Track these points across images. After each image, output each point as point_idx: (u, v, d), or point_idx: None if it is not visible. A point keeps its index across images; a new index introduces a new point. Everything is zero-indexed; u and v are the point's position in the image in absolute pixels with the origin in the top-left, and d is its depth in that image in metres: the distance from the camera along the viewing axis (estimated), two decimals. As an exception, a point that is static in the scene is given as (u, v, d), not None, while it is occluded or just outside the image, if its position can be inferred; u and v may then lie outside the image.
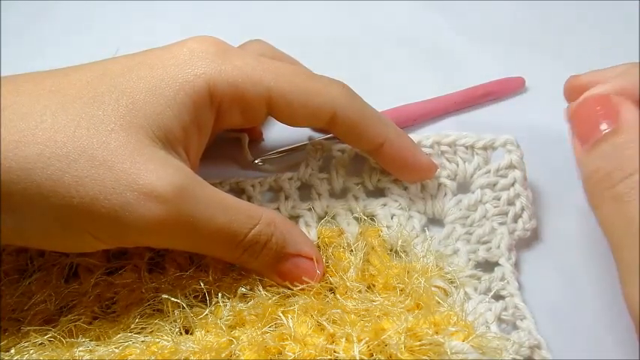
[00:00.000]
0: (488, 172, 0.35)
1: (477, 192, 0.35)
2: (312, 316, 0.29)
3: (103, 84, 0.29)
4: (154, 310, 0.30)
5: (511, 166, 0.35)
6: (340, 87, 0.33)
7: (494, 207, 0.35)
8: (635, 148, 0.27)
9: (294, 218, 0.35)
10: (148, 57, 0.30)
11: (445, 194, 0.36)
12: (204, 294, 0.30)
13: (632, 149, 0.27)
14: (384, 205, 0.36)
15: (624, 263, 0.26)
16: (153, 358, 0.27)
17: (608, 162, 0.27)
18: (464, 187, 0.36)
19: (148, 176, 0.27)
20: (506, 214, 0.35)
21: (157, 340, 0.28)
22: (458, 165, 0.36)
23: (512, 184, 0.35)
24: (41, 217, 0.27)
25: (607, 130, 0.28)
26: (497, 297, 0.32)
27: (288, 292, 0.31)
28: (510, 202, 0.35)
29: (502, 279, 0.33)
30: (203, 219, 0.28)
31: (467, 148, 0.36)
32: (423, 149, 0.36)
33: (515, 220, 0.35)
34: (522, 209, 0.35)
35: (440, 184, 0.36)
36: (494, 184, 0.35)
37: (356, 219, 0.35)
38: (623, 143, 0.27)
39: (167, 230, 0.28)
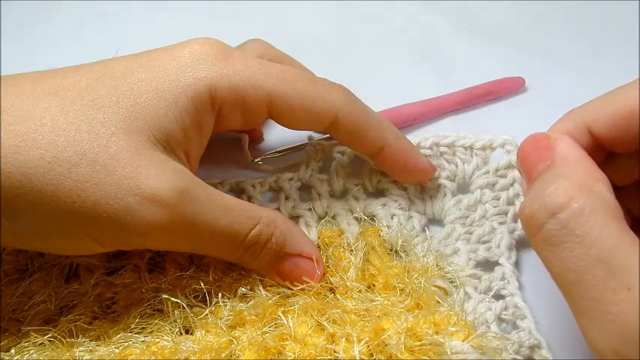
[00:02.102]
0: (488, 172, 0.35)
1: (477, 192, 0.35)
2: (312, 316, 0.29)
3: (103, 86, 0.28)
4: (154, 310, 0.30)
5: (510, 167, 0.35)
6: (341, 91, 0.32)
7: (494, 207, 0.35)
8: (564, 182, 0.24)
9: (295, 218, 0.35)
10: (149, 59, 0.30)
11: (445, 195, 0.36)
12: (204, 294, 0.30)
13: (558, 184, 0.24)
14: (384, 205, 0.36)
15: (578, 310, 0.23)
16: (153, 358, 0.27)
17: (534, 201, 0.24)
18: (463, 188, 0.36)
19: (149, 180, 0.27)
20: (505, 213, 0.35)
21: (157, 340, 0.28)
22: (457, 166, 0.36)
23: (512, 184, 0.35)
24: (42, 222, 0.27)
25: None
26: (498, 296, 0.32)
27: (288, 292, 0.31)
28: (510, 202, 0.35)
29: (502, 278, 0.33)
30: (205, 221, 0.28)
31: (466, 148, 0.36)
32: (423, 150, 0.36)
33: (514, 220, 0.35)
34: (522, 209, 0.35)
35: (439, 185, 0.36)
36: (494, 184, 0.35)
37: (356, 219, 0.35)
38: (550, 180, 0.24)
39: (169, 233, 0.28)
